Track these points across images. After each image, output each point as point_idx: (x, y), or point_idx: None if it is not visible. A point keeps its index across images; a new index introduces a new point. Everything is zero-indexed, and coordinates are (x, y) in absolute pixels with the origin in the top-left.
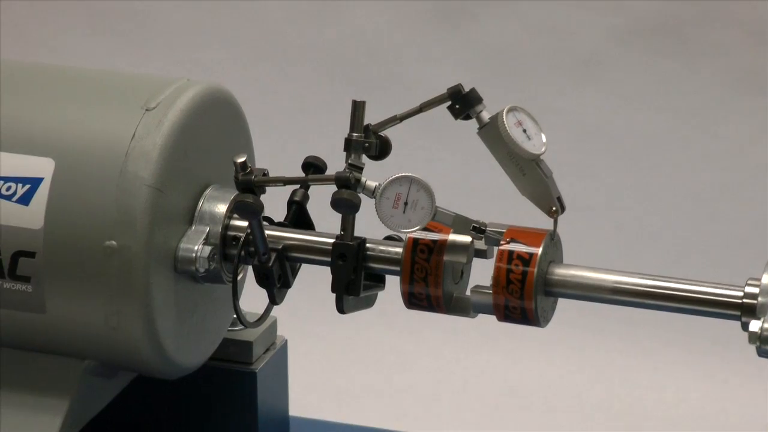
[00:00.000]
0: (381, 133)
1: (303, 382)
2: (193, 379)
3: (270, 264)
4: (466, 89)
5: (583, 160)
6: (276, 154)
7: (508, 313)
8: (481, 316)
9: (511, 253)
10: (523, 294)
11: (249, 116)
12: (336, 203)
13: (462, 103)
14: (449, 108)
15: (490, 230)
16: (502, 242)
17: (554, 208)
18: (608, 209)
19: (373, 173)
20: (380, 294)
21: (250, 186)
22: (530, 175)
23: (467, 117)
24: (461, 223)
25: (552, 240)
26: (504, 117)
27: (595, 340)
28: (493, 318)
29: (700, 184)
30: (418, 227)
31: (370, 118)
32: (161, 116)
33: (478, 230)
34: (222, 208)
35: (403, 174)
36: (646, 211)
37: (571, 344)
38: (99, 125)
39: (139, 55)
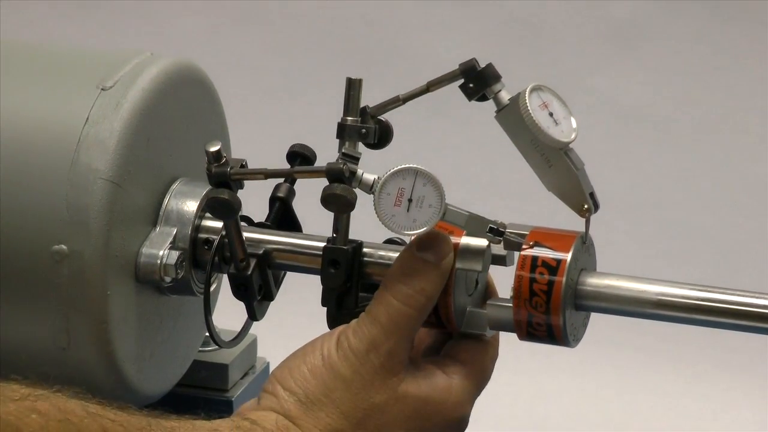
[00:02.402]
0: (381, 118)
1: None
2: (159, 409)
3: (249, 272)
4: (482, 65)
5: (621, 149)
6: (256, 142)
7: (532, 331)
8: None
9: (535, 259)
10: (549, 308)
11: (223, 97)
12: (327, 200)
13: (477, 81)
14: (462, 87)
15: (510, 232)
16: (524, 247)
17: (586, 206)
18: (650, 207)
19: (372, 164)
20: None
21: (225, 179)
22: (557, 166)
23: (483, 98)
24: (476, 224)
25: (584, 244)
26: (526, 98)
27: (635, 362)
28: (513, 336)
29: (760, 177)
30: (424, 229)
31: (368, 99)
32: (119, 97)
33: (496, 232)
34: (192, 206)
35: (406, 165)
36: (694, 209)
37: (606, 367)
38: (45, 108)
39: (93, 24)
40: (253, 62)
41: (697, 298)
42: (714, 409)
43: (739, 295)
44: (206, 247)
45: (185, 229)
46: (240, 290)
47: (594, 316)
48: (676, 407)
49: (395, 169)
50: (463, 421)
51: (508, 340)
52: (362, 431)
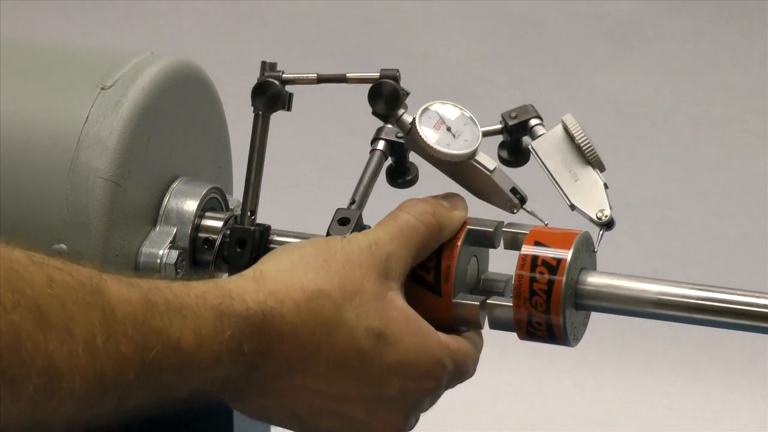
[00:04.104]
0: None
1: None
2: (158, 416)
3: (252, 226)
4: (515, 115)
5: (621, 149)
6: None
7: (532, 330)
8: (498, 333)
9: (535, 258)
10: (550, 307)
11: (223, 97)
12: (377, 89)
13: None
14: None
15: (509, 231)
16: (524, 246)
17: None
18: (650, 207)
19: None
20: None
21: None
22: (584, 179)
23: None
24: (502, 176)
25: (593, 252)
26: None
27: (635, 361)
28: (513, 336)
29: (760, 177)
30: (455, 152)
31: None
32: (119, 96)
33: (517, 195)
34: (192, 206)
35: (453, 103)
36: (694, 209)
37: (606, 367)
38: (45, 107)
39: (93, 24)
40: (253, 62)
41: (697, 298)
42: (714, 409)
43: (739, 294)
44: (206, 247)
45: (185, 229)
46: (237, 245)
47: (594, 316)
48: (676, 407)
49: (443, 101)
50: (437, 368)
51: (508, 340)
52: (346, 301)
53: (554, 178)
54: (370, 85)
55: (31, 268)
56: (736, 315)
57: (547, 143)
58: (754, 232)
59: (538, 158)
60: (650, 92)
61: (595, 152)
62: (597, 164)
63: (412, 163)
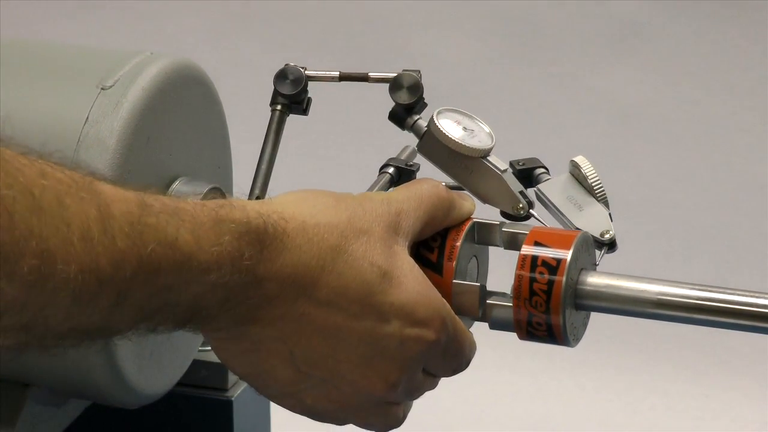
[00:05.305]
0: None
1: (287, 412)
2: (158, 409)
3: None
4: (522, 161)
5: (621, 149)
6: (256, 142)
7: (532, 330)
8: (498, 333)
9: (535, 258)
10: (549, 307)
11: (223, 97)
12: (398, 79)
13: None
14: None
15: (509, 230)
16: (524, 246)
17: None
18: (650, 207)
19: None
20: None
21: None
22: (589, 209)
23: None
24: (512, 179)
25: (586, 244)
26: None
27: (635, 361)
28: (513, 336)
29: (760, 177)
30: (470, 146)
31: (368, 98)
32: (119, 96)
33: (526, 198)
34: None
35: (459, 109)
36: (694, 209)
37: (606, 366)
38: (45, 107)
39: (93, 24)
40: (253, 62)
41: (697, 298)
42: (714, 409)
43: (739, 295)
44: None
45: None
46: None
47: (594, 316)
48: (676, 407)
49: (450, 107)
50: (438, 320)
51: (508, 340)
52: (353, 236)
53: (559, 211)
54: (387, 85)
55: (23, 160)
56: (736, 315)
57: (552, 186)
58: (754, 232)
59: (543, 198)
60: (650, 92)
61: (605, 193)
62: (604, 203)
63: None
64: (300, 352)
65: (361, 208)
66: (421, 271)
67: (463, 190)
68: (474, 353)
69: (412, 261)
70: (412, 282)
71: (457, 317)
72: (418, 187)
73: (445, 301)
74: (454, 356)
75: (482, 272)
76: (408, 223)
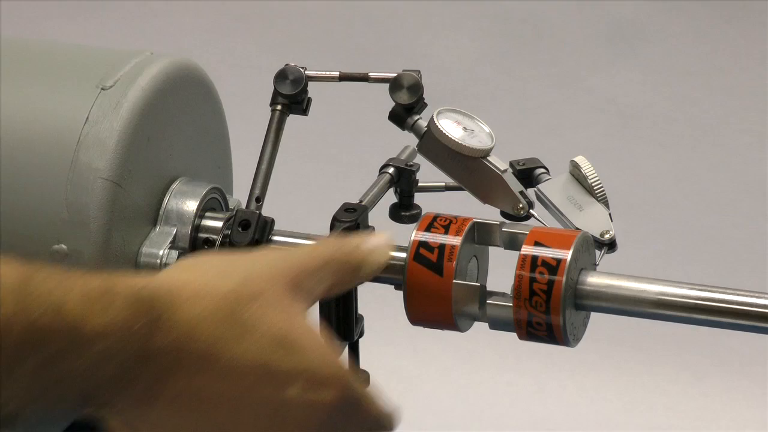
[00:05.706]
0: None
1: None
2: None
3: (258, 211)
4: (522, 163)
5: (621, 149)
6: (256, 142)
7: (532, 330)
8: (498, 333)
9: (535, 258)
10: (549, 308)
11: (223, 97)
12: (399, 78)
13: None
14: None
15: (509, 231)
16: (524, 246)
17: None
18: (649, 207)
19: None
20: (378, 308)
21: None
22: (589, 209)
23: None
24: (513, 179)
25: (586, 244)
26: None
27: (635, 361)
28: (513, 336)
29: (760, 177)
30: (470, 146)
31: (368, 98)
32: (119, 96)
33: (526, 198)
34: (192, 206)
35: (459, 110)
36: (694, 209)
37: (606, 367)
38: (45, 107)
39: (93, 24)
40: (253, 62)
41: (697, 298)
42: (714, 409)
43: (739, 295)
44: (206, 247)
45: (185, 229)
46: (241, 226)
47: (594, 316)
48: (676, 407)
49: (450, 108)
50: (342, 379)
51: (508, 340)
52: (246, 301)
53: (559, 211)
54: (387, 85)
55: None
56: (736, 315)
57: (552, 186)
58: (754, 232)
59: (543, 198)
60: (650, 92)
61: (605, 193)
62: (604, 203)
63: (416, 204)
64: (204, 430)
65: (255, 270)
66: (319, 334)
67: (463, 189)
68: (390, 411)
69: (309, 323)
70: (309, 345)
71: (358, 385)
72: (324, 246)
73: (350, 371)
74: (365, 415)
75: (482, 272)
76: (311, 283)
